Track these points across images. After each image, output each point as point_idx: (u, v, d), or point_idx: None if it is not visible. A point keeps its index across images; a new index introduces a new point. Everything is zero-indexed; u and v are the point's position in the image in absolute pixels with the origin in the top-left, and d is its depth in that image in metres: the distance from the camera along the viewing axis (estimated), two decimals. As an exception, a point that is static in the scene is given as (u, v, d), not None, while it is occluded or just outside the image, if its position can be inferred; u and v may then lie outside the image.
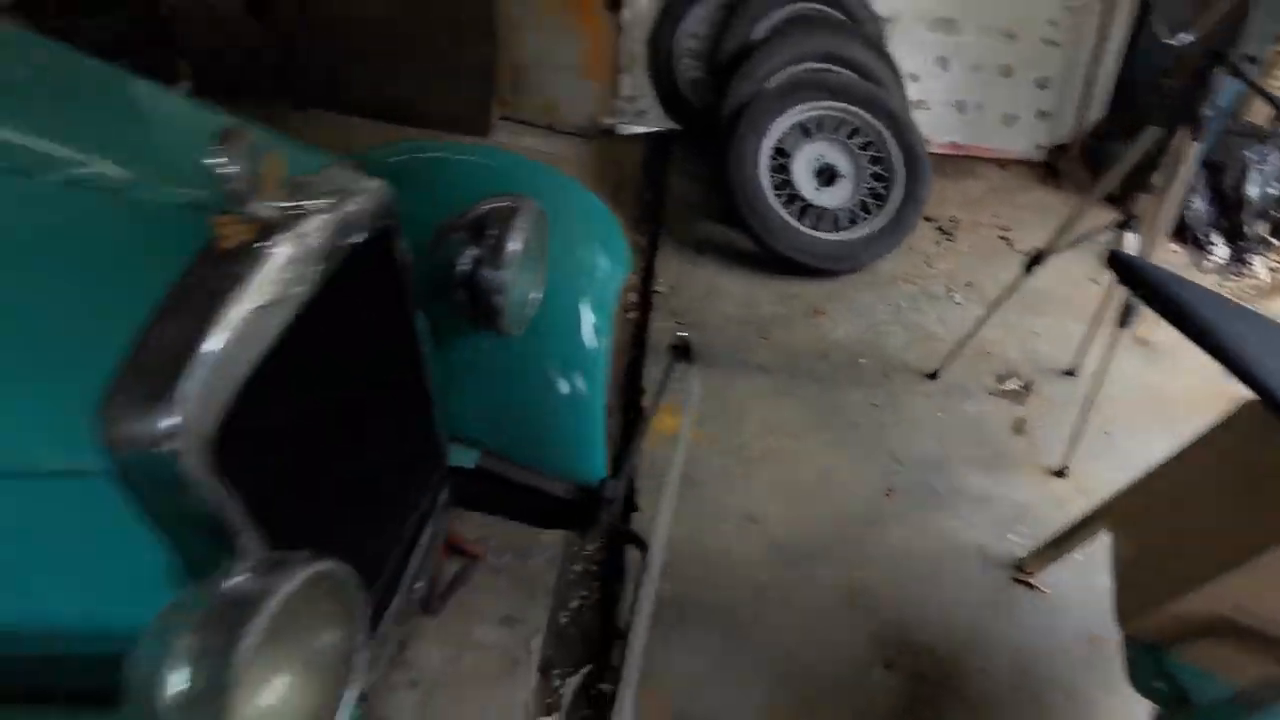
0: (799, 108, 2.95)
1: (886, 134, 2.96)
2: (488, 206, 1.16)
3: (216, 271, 0.72)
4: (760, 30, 3.35)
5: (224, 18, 3.66)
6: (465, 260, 1.14)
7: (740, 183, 2.85)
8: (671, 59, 3.62)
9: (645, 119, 3.87)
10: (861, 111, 2.95)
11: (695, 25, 3.59)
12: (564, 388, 1.41)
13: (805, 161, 2.98)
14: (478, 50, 3.66)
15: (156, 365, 0.67)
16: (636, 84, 3.81)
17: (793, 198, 2.95)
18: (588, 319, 1.43)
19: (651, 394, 1.63)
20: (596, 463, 1.46)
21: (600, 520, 1.47)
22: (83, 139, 0.86)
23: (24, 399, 0.67)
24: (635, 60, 3.76)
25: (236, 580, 0.67)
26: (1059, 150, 3.85)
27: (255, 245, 0.74)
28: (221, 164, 0.68)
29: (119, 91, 1.06)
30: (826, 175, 3.00)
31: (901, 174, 2.96)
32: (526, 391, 1.40)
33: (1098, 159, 3.66)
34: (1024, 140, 3.84)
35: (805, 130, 2.98)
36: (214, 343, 0.69)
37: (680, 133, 3.82)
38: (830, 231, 2.93)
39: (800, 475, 2.15)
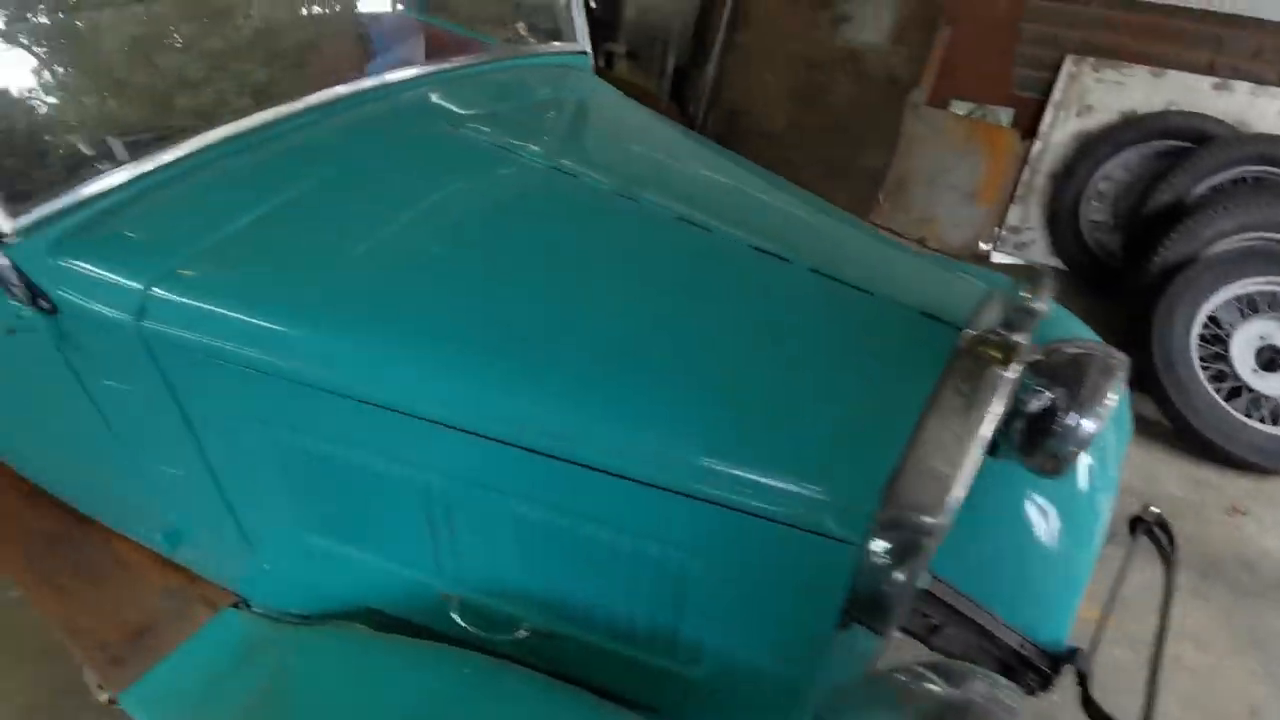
0: (1249, 280, 2.63)
1: (1363, 329, 2.52)
2: (1073, 350, 1.15)
3: (973, 387, 0.78)
4: (1201, 188, 3.07)
5: (658, 98, 4.18)
6: (1038, 399, 1.13)
7: (1164, 348, 2.59)
8: (1079, 199, 3.45)
9: (1025, 251, 3.72)
10: (1333, 297, 2.56)
11: (1115, 169, 3.40)
12: (1054, 537, 1.34)
13: (1246, 339, 2.64)
14: (874, 157, 3.79)
15: (930, 467, 0.73)
16: (1026, 215, 3.69)
17: (1222, 375, 2.62)
18: (1092, 473, 1.36)
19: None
20: (1062, 625, 1.36)
21: (1051, 688, 1.36)
22: (804, 232, 1.00)
23: (812, 462, 0.76)
24: (1032, 191, 3.64)
25: (963, 685, 0.69)
26: None
27: (1005, 369, 0.78)
28: (1028, 300, 0.73)
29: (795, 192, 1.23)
30: (1269, 358, 2.63)
31: (1376, 379, 2.50)
32: (1012, 529, 1.35)
33: None
34: None
35: (1252, 305, 2.64)
36: (970, 454, 0.74)
37: (1057, 270, 3.60)
38: (1267, 423, 2.54)
39: (1219, 702, 1.83)
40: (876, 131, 3.78)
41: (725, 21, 4.10)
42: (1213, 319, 2.67)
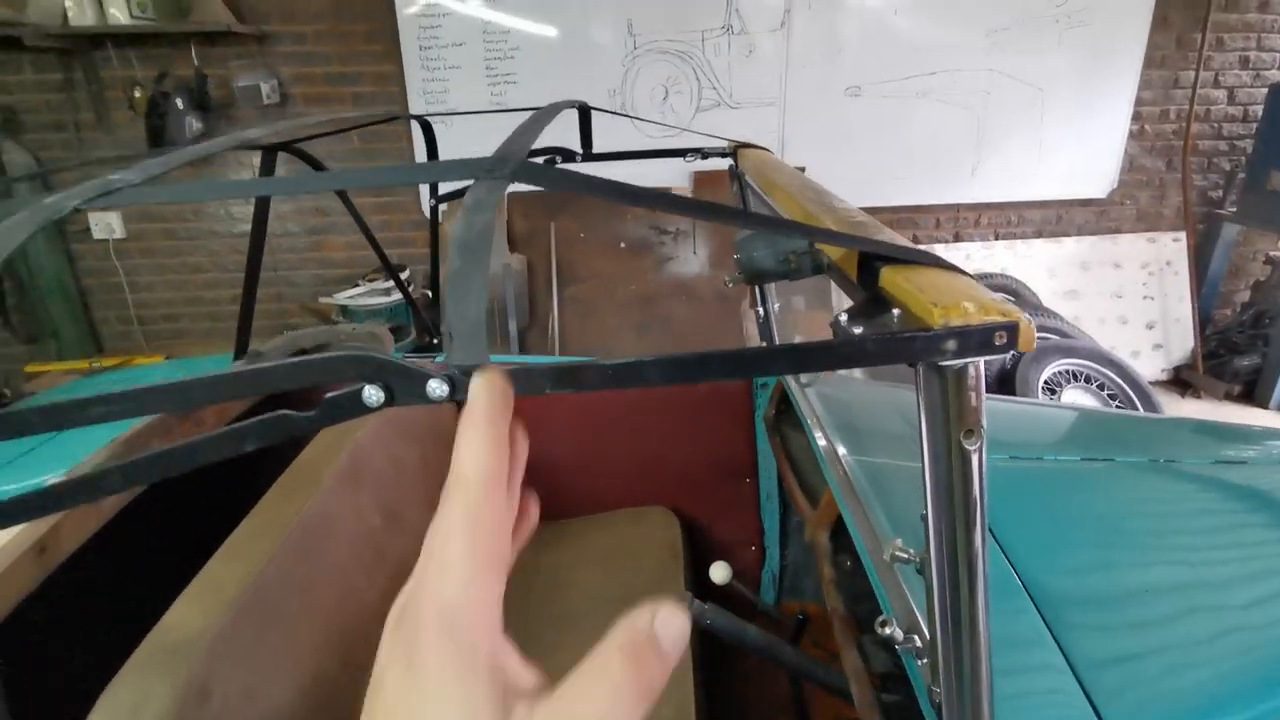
0: (1059, 362, 3.60)
1: None
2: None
3: None
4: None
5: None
6: None
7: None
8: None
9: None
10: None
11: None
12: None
13: (1068, 399, 3.52)
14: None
15: None
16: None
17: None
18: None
19: None
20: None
21: None
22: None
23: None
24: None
25: None
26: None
27: None
28: None
29: None
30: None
31: None
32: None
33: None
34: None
35: (1073, 375, 3.58)
36: None
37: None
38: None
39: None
40: (718, 338, 4.40)
41: (555, 282, 4.56)
42: (1047, 383, 3.56)
